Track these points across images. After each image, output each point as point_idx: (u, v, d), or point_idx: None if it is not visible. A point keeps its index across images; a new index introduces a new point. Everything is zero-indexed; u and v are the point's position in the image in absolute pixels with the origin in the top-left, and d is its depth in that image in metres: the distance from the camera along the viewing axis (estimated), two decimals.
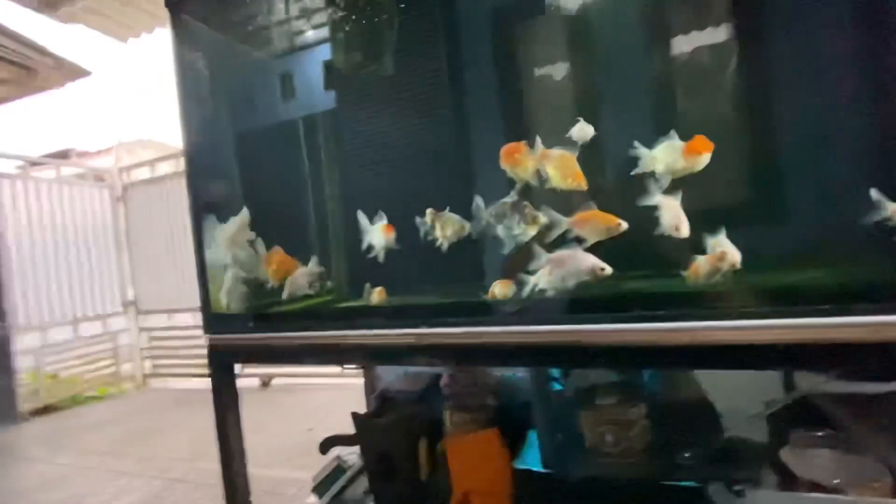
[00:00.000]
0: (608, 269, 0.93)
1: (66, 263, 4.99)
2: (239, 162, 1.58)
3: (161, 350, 5.52)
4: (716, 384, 1.37)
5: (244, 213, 1.34)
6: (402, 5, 1.49)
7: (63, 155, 9.17)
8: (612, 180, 1.20)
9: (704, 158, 0.90)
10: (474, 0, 1.50)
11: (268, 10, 1.55)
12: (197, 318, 4.90)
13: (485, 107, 1.45)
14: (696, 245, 0.93)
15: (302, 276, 1.29)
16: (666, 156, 0.93)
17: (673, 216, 0.90)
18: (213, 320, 1.36)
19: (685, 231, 0.90)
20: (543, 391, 1.42)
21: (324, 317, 1.35)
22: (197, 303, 1.39)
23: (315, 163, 1.66)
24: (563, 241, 1.00)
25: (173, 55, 1.36)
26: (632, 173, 0.98)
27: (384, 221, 1.21)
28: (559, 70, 1.42)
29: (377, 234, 1.20)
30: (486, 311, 1.12)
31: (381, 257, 1.20)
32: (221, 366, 1.37)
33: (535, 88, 1.45)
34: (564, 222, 0.98)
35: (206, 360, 1.34)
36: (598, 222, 0.95)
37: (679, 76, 1.27)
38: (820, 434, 1.15)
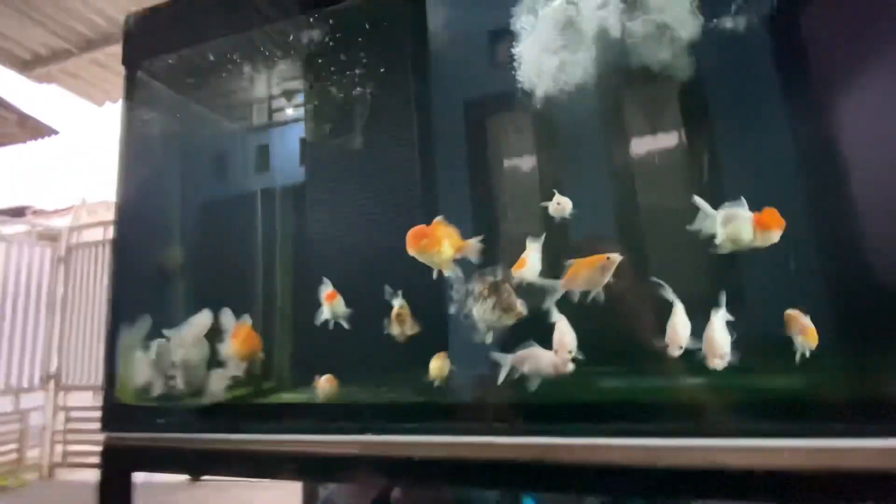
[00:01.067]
0: (570, 366, 0.81)
1: None
2: (180, 231, 1.43)
3: (78, 434, 4.80)
4: None
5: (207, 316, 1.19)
6: (376, 89, 1.50)
7: (18, 212, 8.70)
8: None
9: (775, 236, 0.79)
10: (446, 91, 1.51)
11: (230, 80, 1.51)
12: None
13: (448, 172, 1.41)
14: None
15: (219, 380, 1.10)
16: (731, 222, 0.80)
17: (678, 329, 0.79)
18: (118, 413, 1.12)
19: (682, 343, 0.78)
20: None
21: (247, 415, 1.13)
22: None
23: (263, 238, 1.54)
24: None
25: (122, 114, 1.26)
26: (689, 228, 0.85)
27: (329, 289, 1.06)
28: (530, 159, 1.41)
29: (323, 305, 1.06)
30: (447, 414, 0.95)
31: (330, 325, 1.05)
32: (120, 475, 1.10)
33: (502, 175, 1.43)
34: (559, 286, 0.86)
35: None
36: (586, 271, 0.84)
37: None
38: None
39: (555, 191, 0.98)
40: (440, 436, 0.86)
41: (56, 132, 5.29)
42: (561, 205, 0.96)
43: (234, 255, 1.50)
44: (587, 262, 0.84)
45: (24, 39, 4.27)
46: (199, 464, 1.13)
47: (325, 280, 1.08)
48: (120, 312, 1.14)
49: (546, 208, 0.98)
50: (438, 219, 0.89)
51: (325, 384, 1.05)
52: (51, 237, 5.18)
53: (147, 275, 1.25)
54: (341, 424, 0.94)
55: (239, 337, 1.16)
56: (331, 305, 1.06)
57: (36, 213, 9.75)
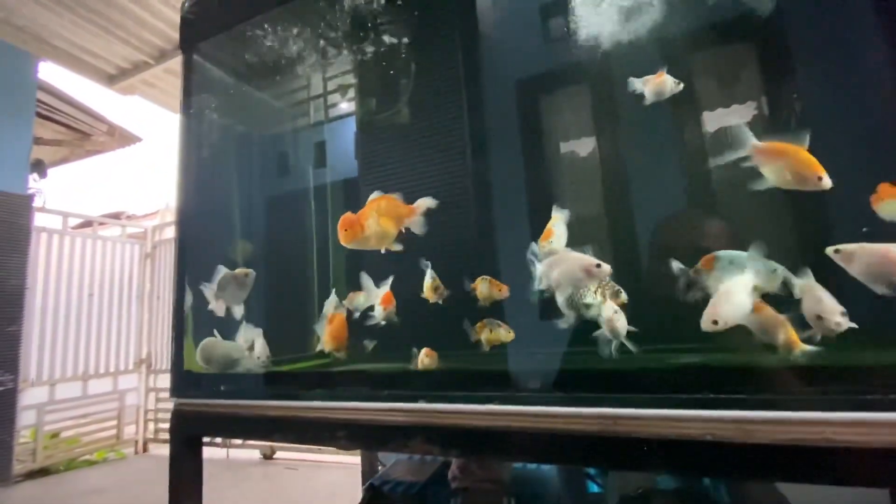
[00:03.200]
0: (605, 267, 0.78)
1: (87, 317, 4.97)
2: (241, 213, 1.47)
3: (167, 413, 5.27)
4: (805, 496, 1.05)
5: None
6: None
7: (115, 216, 9.69)
8: None
9: None
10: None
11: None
12: None
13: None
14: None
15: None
16: None
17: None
18: (185, 380, 1.17)
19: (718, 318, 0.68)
20: (578, 494, 1.13)
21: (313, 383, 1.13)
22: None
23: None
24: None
25: (181, 98, 1.31)
26: None
27: (386, 289, 1.03)
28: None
29: (376, 304, 1.03)
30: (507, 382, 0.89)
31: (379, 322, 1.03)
32: (188, 437, 1.15)
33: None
34: (751, 144, 0.74)
35: None
36: (792, 160, 0.71)
37: None
38: None
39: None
40: (500, 405, 0.81)
41: (140, 139, 5.80)
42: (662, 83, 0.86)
43: (293, 245, 1.53)
44: (797, 155, 0.71)
45: (110, 55, 4.68)
46: (256, 429, 1.16)
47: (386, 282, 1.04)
48: (183, 279, 1.20)
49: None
50: (374, 195, 0.81)
51: (424, 357, 1.01)
52: (138, 236, 5.70)
53: (211, 246, 1.30)
54: (400, 392, 0.91)
55: (333, 324, 1.12)
56: (385, 309, 1.03)
57: (129, 217, 10.83)
